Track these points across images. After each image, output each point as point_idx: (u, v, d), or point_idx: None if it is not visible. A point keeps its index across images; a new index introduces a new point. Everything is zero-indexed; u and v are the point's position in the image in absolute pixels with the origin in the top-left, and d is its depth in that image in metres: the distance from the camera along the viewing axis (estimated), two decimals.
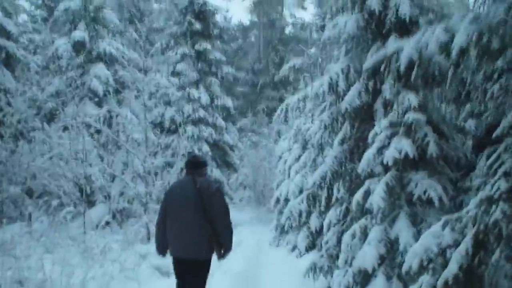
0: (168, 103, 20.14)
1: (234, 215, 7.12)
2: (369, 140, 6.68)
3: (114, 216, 13.59)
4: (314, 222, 10.50)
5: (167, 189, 6.33)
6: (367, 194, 6.41)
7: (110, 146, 13.74)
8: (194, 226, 5.73)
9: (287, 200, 13.22)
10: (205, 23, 23.07)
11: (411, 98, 6.55)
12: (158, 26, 27.42)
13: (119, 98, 16.41)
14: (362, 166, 6.41)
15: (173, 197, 6.00)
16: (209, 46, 22.58)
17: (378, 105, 7.43)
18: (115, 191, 13.35)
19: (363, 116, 8.03)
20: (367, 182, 6.49)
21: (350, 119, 8.09)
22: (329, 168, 7.90)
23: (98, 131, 13.57)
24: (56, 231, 10.50)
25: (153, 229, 12.07)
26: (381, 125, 6.42)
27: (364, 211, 7.01)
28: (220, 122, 22.55)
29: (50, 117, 15.65)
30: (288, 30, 48.50)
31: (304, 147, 13.13)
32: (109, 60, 16.53)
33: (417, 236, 5.86)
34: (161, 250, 6.15)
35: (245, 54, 46.46)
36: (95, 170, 12.06)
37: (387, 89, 7.15)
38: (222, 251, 5.90)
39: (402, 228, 5.87)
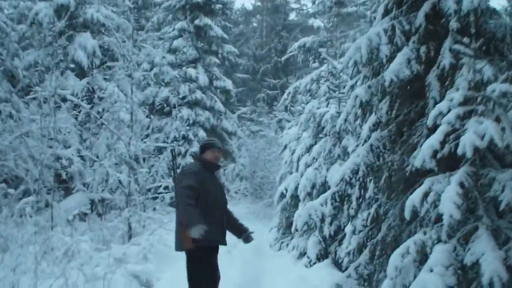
0: (162, 82, 18.16)
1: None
2: (429, 121, 4.78)
3: (93, 207, 11.69)
4: (328, 226, 8.67)
5: None
6: (425, 197, 4.54)
7: (92, 125, 11.80)
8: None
9: (295, 197, 11.34)
10: None
11: (485, 68, 4.75)
12: (155, 1, 25.33)
13: (106, 73, 14.42)
14: (423, 156, 4.52)
15: None
16: (210, 22, 20.51)
17: (432, 77, 5.58)
18: (95, 178, 11.41)
19: (410, 93, 6.17)
20: (427, 181, 4.60)
21: (392, 96, 6.22)
22: (363, 160, 6.02)
23: (76, 106, 11.58)
24: (16, 225, 8.65)
25: (135, 226, 10.23)
26: (453, 101, 4.52)
27: (408, 220, 5.18)
28: (219, 106, 20.52)
29: (28, 92, 13.72)
30: (292, 16, 46.83)
31: (316, 136, 11.26)
32: (96, 30, 14.56)
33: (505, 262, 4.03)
34: None
35: (246, 40, 44.77)
36: (69, 152, 10.10)
37: (446, 57, 5.33)
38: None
39: (485, 250, 3.98)
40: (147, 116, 13.56)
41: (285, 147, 15.03)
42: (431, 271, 4.23)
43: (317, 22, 44.63)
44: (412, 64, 5.62)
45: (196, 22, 20.33)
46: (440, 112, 4.66)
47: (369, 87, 5.98)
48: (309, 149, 11.30)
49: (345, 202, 6.69)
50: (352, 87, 7.20)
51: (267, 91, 39.89)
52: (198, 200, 4.96)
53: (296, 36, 41.72)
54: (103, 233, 9.20)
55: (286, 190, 12.01)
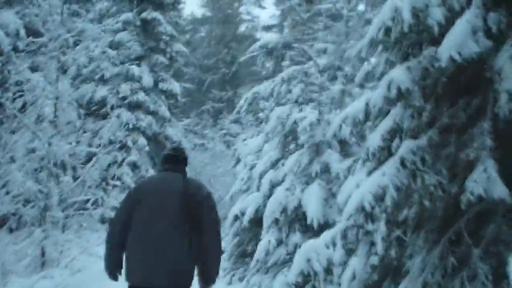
0: (101, 80, 15.85)
1: None
2: None
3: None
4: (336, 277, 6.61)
5: (137, 184, 4.63)
6: None
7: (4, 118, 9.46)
8: (175, 242, 3.90)
9: (256, 222, 9.26)
10: None
11: None
12: None
13: (33, 61, 11.98)
14: None
15: (150, 198, 4.06)
16: (159, 16, 18.31)
17: (504, 59, 3.67)
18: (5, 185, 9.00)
19: (456, 85, 4.23)
20: None
21: (436, 87, 4.26)
22: (391, 180, 4.00)
23: None
24: None
25: (50, 251, 7.90)
26: None
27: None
28: (164, 111, 18.23)
29: None
30: (243, 28, 45.58)
31: (284, 148, 9.32)
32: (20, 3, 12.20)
33: None
34: (114, 268, 4.08)
35: (193, 49, 42.92)
36: None
37: None
38: (206, 280, 4.09)
39: None
40: (78, 115, 11.26)
41: (238, 161, 13.04)
42: None
43: (267, 36, 43.37)
44: (478, 37, 3.70)
45: (144, 15, 18.03)
46: None
47: (408, 68, 3.99)
48: (274, 164, 9.31)
49: (360, 243, 4.61)
50: (368, 74, 5.21)
51: (212, 103, 38.19)
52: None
53: (245, 48, 40.26)
54: (3, 261, 6.85)
55: (243, 214, 9.91)
